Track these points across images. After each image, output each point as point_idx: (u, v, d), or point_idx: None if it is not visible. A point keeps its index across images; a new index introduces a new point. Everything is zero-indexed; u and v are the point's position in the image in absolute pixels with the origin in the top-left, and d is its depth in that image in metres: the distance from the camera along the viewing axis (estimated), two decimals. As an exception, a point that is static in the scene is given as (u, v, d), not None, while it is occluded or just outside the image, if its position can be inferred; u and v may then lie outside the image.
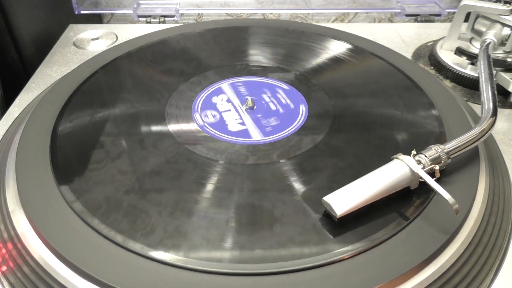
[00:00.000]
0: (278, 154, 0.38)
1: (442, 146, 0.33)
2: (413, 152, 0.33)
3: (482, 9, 0.51)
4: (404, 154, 0.33)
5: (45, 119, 0.41)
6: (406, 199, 0.33)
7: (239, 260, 0.29)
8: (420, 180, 0.32)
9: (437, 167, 0.33)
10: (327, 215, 0.31)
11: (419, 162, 0.33)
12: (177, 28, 0.59)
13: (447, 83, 0.53)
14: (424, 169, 0.32)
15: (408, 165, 0.32)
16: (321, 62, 0.51)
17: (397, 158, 0.33)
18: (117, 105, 0.44)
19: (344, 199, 0.31)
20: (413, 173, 0.32)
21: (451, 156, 0.34)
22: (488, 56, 0.46)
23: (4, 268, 0.31)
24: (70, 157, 0.37)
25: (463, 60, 0.53)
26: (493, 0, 0.51)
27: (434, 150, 0.33)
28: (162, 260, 0.28)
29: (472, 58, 0.52)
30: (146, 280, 0.28)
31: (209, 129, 0.41)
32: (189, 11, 0.84)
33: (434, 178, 0.32)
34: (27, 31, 0.62)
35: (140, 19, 0.71)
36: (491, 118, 0.37)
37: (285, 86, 0.47)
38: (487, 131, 0.36)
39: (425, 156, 0.33)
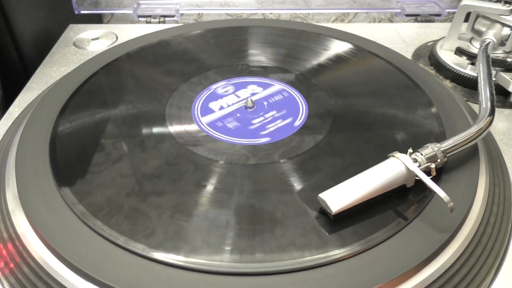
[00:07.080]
0: (279, 154, 0.38)
1: (438, 145, 0.33)
2: (410, 150, 0.33)
3: (482, 9, 0.51)
4: (403, 153, 0.33)
5: (45, 119, 0.41)
6: (405, 199, 0.33)
7: (239, 260, 0.29)
8: (416, 178, 0.32)
9: (433, 166, 0.33)
10: (323, 212, 0.32)
11: (415, 160, 0.32)
12: (177, 28, 0.59)
13: (447, 83, 0.53)
14: (420, 167, 0.32)
15: (404, 163, 0.32)
16: (321, 62, 0.51)
17: (393, 156, 0.33)
18: (117, 105, 0.44)
19: (339, 196, 0.31)
20: (408, 171, 0.32)
21: (448, 155, 0.34)
22: (487, 56, 0.46)
23: (4, 268, 0.31)
24: (69, 157, 0.37)
25: (463, 60, 0.53)
26: (493, 0, 0.51)
27: (431, 149, 0.33)
28: (163, 261, 0.28)
29: (472, 58, 0.52)
30: (146, 281, 0.28)
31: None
32: (189, 11, 0.84)
33: (430, 177, 0.32)
34: (27, 31, 0.62)
35: (140, 19, 0.71)
36: (489, 117, 0.37)
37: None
38: (484, 130, 0.36)
39: (421, 154, 0.33)
